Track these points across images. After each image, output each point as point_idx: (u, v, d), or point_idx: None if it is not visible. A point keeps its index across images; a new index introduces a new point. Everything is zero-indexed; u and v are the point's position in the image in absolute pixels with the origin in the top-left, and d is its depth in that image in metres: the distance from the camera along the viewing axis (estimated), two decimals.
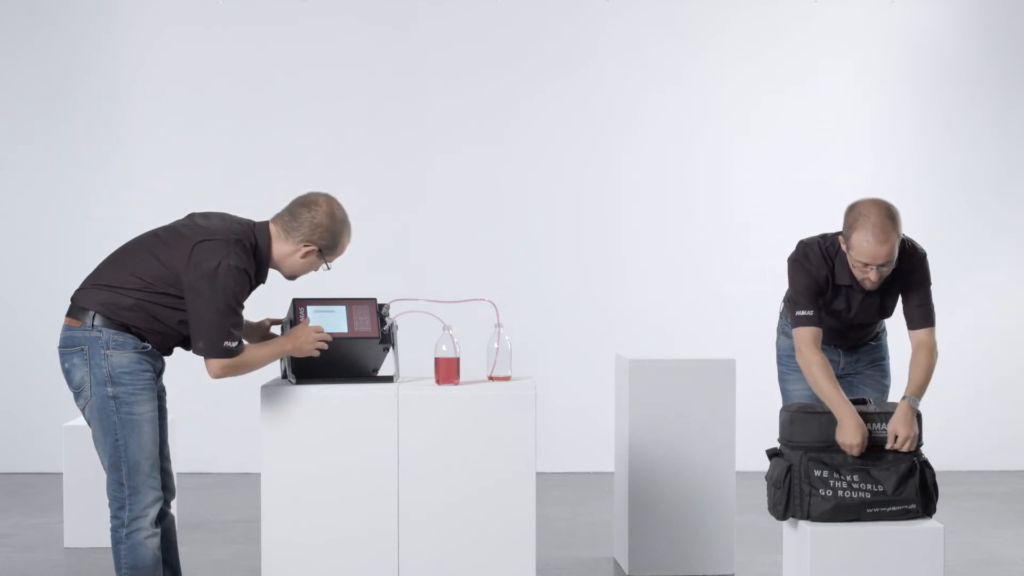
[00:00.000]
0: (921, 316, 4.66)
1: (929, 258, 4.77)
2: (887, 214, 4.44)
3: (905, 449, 4.39)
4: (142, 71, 8.13)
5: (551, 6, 8.20)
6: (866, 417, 4.39)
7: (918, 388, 4.54)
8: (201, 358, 4.24)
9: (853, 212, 4.50)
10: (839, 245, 4.62)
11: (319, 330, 4.42)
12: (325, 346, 4.42)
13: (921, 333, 4.65)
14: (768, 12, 8.23)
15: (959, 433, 8.17)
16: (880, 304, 4.71)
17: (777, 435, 4.56)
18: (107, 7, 8.13)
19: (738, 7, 8.23)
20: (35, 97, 8.12)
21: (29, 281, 8.11)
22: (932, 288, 4.71)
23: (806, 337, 4.58)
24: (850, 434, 4.36)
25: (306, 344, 4.40)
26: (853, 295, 4.68)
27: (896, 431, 4.39)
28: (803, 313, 4.63)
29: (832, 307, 4.70)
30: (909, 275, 4.65)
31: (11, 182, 8.14)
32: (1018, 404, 8.31)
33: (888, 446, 4.39)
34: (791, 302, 4.70)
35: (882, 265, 4.47)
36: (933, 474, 4.39)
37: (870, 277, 4.51)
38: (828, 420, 4.39)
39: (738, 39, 8.23)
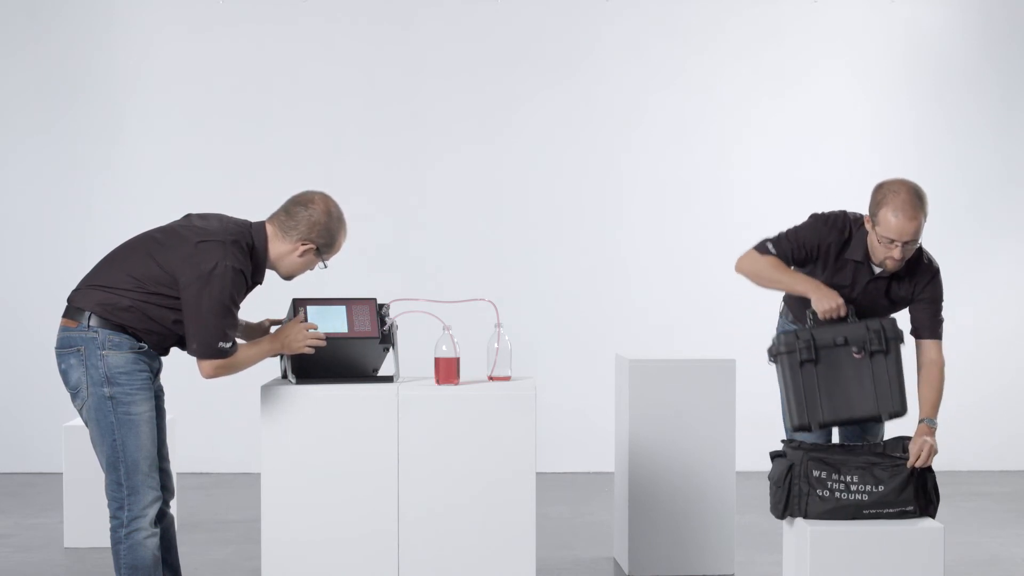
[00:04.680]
0: (930, 327, 4.67)
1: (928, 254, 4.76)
2: (915, 192, 4.45)
3: (921, 464, 4.41)
4: (142, 71, 8.13)
5: (551, 6, 8.20)
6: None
7: (933, 408, 4.59)
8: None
9: (882, 190, 4.49)
10: (863, 222, 4.59)
11: (312, 327, 4.41)
12: (320, 343, 4.40)
13: (929, 344, 4.65)
14: (768, 12, 8.23)
15: (959, 433, 8.16)
16: (887, 294, 4.66)
17: (780, 436, 4.57)
18: (107, 7, 8.13)
19: (738, 7, 8.23)
20: (35, 97, 8.12)
21: (29, 281, 8.11)
22: (943, 305, 4.69)
23: (766, 259, 4.67)
24: (828, 298, 4.52)
25: (295, 342, 4.38)
26: (860, 272, 4.62)
27: (920, 451, 4.42)
28: (771, 250, 4.66)
29: (835, 281, 4.66)
30: (923, 289, 4.63)
31: (11, 182, 8.14)
32: (1018, 404, 8.30)
33: (909, 464, 4.41)
34: (776, 237, 4.68)
35: (907, 243, 4.45)
36: (934, 477, 4.41)
37: (894, 256, 4.48)
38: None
39: (738, 39, 8.23)
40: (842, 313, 4.53)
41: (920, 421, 4.53)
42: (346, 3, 8.17)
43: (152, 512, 4.22)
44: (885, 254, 4.51)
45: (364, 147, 8.18)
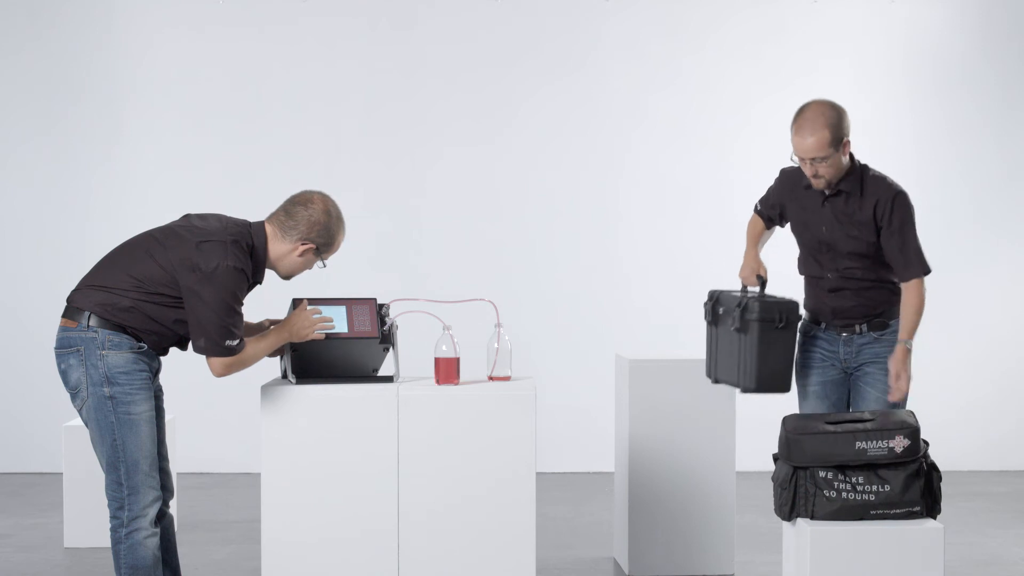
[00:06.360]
0: (902, 265, 4.67)
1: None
2: (817, 109, 4.55)
3: (900, 395, 4.62)
4: (141, 71, 8.13)
5: (551, 6, 8.20)
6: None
7: (909, 330, 4.66)
8: (202, 359, 4.24)
9: (795, 113, 4.64)
10: None
11: (317, 311, 4.43)
12: (329, 326, 4.43)
13: (907, 285, 4.70)
14: (768, 11, 8.23)
15: (959, 433, 8.17)
16: (851, 219, 4.65)
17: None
18: (107, 7, 8.13)
19: (738, 6, 8.23)
20: (35, 96, 8.12)
21: (29, 281, 8.11)
22: (916, 232, 4.69)
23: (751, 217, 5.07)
24: (743, 267, 4.90)
25: (303, 329, 4.40)
26: (814, 198, 4.72)
27: (899, 374, 4.61)
28: (758, 207, 5.02)
29: (801, 217, 4.80)
30: (888, 214, 4.64)
31: (11, 182, 8.14)
32: (1017, 404, 8.30)
33: (891, 382, 4.61)
34: (765, 194, 5.00)
35: (816, 159, 4.54)
36: (940, 477, 4.40)
37: (812, 174, 4.60)
38: (832, 439, 4.38)
39: (738, 39, 8.23)
40: (751, 283, 4.82)
41: (897, 342, 4.66)
42: (346, 3, 8.17)
43: (152, 512, 4.22)
44: (808, 174, 4.63)
45: (364, 146, 8.18)
